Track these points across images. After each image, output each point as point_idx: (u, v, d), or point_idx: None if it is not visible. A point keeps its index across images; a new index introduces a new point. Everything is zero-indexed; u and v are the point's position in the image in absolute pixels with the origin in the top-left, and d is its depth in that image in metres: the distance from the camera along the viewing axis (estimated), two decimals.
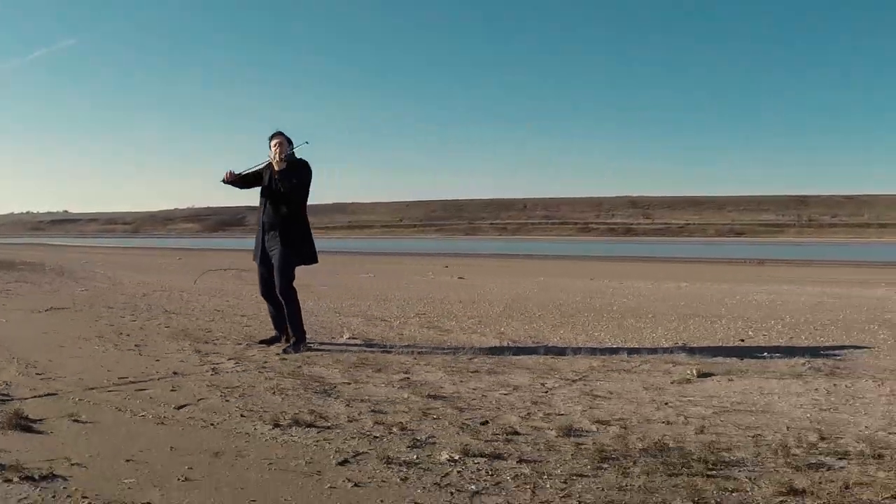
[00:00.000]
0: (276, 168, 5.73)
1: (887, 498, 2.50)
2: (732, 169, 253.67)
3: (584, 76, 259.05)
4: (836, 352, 5.92)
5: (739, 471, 2.82)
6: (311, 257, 5.93)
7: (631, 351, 5.63)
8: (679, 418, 3.64)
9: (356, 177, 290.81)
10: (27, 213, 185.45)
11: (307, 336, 5.94)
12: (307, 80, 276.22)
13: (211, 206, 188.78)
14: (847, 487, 2.61)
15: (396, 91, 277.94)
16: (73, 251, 35.59)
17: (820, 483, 2.66)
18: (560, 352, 5.55)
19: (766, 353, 5.69)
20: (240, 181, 5.99)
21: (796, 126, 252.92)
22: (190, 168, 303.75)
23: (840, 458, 2.98)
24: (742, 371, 4.91)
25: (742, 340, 6.49)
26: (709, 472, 2.77)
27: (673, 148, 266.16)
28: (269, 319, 6.23)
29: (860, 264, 28.56)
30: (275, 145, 5.82)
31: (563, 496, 2.55)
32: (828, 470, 2.83)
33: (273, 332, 6.12)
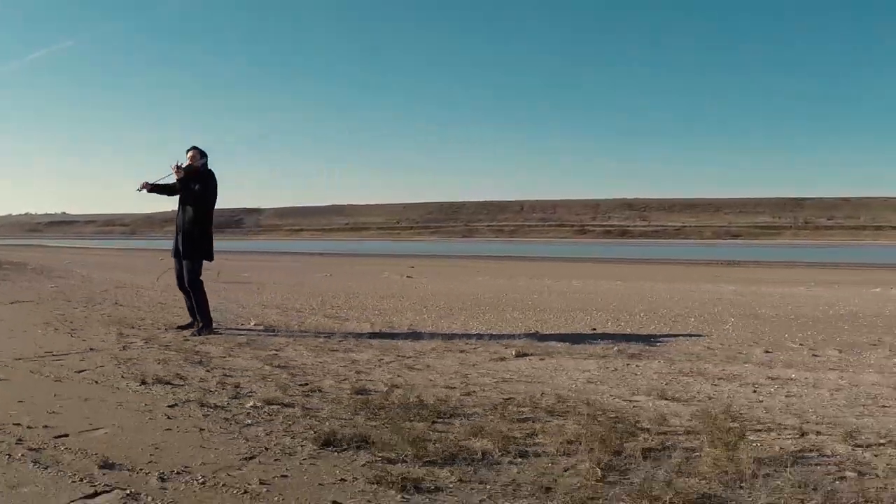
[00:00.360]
0: (175, 177, 6.79)
1: (564, 442, 3.27)
2: (729, 171, 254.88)
3: (582, 78, 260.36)
4: (665, 339, 6.98)
5: (457, 419, 3.77)
6: (208, 255, 7.00)
7: (481, 336, 6.71)
8: (461, 384, 4.69)
9: (354, 178, 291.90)
10: (25, 214, 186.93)
11: (214, 322, 7.03)
12: (305, 81, 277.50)
13: None
14: (531, 435, 3.42)
15: (395, 92, 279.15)
16: (64, 252, 36.73)
17: (507, 430, 3.62)
18: (418, 336, 6.64)
19: (599, 339, 6.75)
20: (158, 189, 7.06)
21: (794, 128, 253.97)
22: None
23: (551, 415, 3.84)
24: (558, 353, 5.97)
25: (594, 329, 7.57)
26: (434, 419, 3.68)
27: (669, 150, 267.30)
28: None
29: (823, 265, 29.61)
30: (189, 157, 6.91)
31: (309, 428, 3.58)
32: (524, 422, 3.70)
33: (189, 319, 7.21)
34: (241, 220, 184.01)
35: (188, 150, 6.93)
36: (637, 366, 5.44)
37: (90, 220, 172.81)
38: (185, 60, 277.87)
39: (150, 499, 2.66)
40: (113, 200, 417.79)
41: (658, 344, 6.60)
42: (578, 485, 2.74)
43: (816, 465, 3.06)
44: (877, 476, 2.90)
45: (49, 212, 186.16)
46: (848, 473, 2.92)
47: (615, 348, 6.17)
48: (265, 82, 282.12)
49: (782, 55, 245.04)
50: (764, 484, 2.75)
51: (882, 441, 3.40)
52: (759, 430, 3.59)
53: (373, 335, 6.85)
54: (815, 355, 6.06)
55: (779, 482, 2.75)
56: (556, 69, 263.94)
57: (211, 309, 7.06)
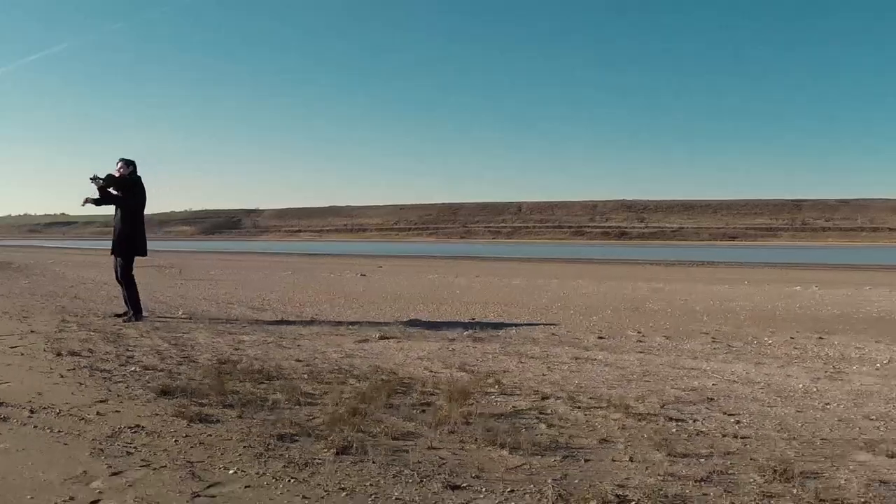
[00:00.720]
0: (95, 187, 7.96)
1: (339, 395, 4.36)
2: (728, 173, 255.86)
3: (580, 79, 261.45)
4: (525, 327, 8.10)
5: (278, 381, 4.87)
6: (139, 251, 8.18)
7: (364, 323, 7.88)
8: (310, 358, 5.81)
9: (353, 180, 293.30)
10: (24, 215, 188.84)
11: (145, 311, 8.20)
12: (303, 82, 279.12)
13: (208, 208, 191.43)
14: (324, 393, 4.62)
15: (394, 93, 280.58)
16: (52, 253, 38.04)
17: (306, 388, 4.83)
18: (312, 323, 7.81)
19: (466, 327, 7.86)
20: (100, 201, 8.22)
21: (792, 130, 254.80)
22: (187, 171, 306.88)
23: (354, 378, 4.98)
24: (416, 337, 7.09)
25: (473, 318, 8.72)
26: (260, 381, 4.79)
27: (668, 152, 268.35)
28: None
29: (789, 266, 30.69)
30: (117, 168, 8.10)
31: (160, 383, 4.74)
32: (327, 384, 4.77)
33: (125, 309, 8.37)
34: (240, 220, 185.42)
35: (117, 162, 8.12)
36: (473, 347, 6.57)
37: (89, 222, 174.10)
38: (182, 61, 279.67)
39: (18, 423, 3.81)
40: None
41: (512, 330, 7.73)
42: (322, 421, 3.85)
43: (525, 418, 4.10)
44: (560, 426, 3.94)
45: (48, 213, 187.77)
46: (541, 425, 3.92)
47: (467, 333, 7.31)
48: (263, 83, 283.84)
49: (781, 57, 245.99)
50: (465, 428, 3.78)
51: (596, 405, 4.41)
52: (510, 394, 4.67)
53: (274, 322, 8.01)
54: (641, 341, 7.18)
55: (478, 427, 3.78)
56: (554, 71, 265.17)
57: (156, 300, 8.26)
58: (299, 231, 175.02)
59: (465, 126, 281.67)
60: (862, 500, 2.79)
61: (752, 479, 3.01)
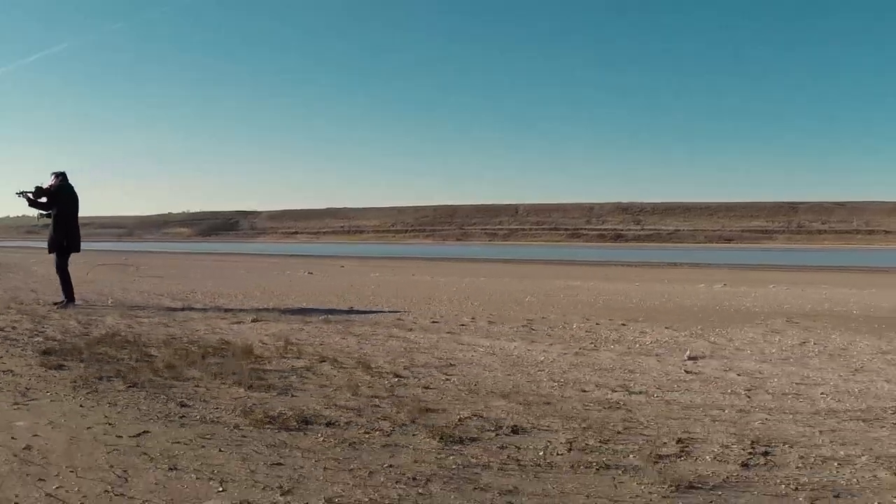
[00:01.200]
0: (25, 199, 9.61)
1: (176, 356, 6.21)
2: (726, 174, 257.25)
3: (579, 81, 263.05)
4: (378, 314, 9.70)
5: (138, 347, 6.57)
6: (73, 248, 9.82)
7: (255, 310, 9.50)
8: (182, 333, 7.43)
9: (350, 181, 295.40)
10: (22, 216, 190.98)
11: (78, 299, 9.83)
12: (302, 82, 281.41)
13: (205, 210, 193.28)
14: (180, 356, 6.35)
15: (392, 95, 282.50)
16: (41, 254, 39.79)
17: (149, 350, 6.47)
18: (208, 310, 9.44)
19: (335, 312, 9.48)
20: (38, 207, 9.85)
21: (790, 132, 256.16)
22: (186, 171, 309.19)
23: (194, 345, 6.75)
24: (281, 320, 8.64)
25: (351, 307, 10.34)
26: (122, 346, 6.51)
27: (665, 154, 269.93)
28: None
29: (752, 267, 32.26)
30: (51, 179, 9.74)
31: (48, 347, 6.35)
32: (179, 349, 6.54)
33: (62, 297, 9.98)
34: (237, 222, 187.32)
35: (50, 175, 9.76)
36: (318, 328, 8.13)
37: (87, 223, 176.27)
38: (182, 61, 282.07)
39: None
40: (110, 203, 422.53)
41: (369, 316, 9.31)
42: (136, 368, 5.46)
43: (290, 373, 5.74)
44: (308, 378, 5.57)
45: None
46: (292, 377, 5.59)
47: (327, 317, 8.90)
48: (263, 84, 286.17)
49: (780, 59, 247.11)
50: (233, 376, 5.36)
51: (355, 366, 5.93)
52: (300, 357, 6.26)
53: (180, 309, 9.63)
54: (464, 325, 8.78)
55: (243, 376, 5.39)
56: (554, 72, 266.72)
57: (97, 292, 9.89)
58: (296, 233, 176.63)
59: (464, 127, 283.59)
60: (459, 425, 4.36)
61: (411, 407, 4.61)
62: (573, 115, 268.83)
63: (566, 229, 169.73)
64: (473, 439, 3.81)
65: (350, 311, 9.85)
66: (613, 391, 5.11)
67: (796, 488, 3.12)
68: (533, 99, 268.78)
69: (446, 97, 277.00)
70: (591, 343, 7.51)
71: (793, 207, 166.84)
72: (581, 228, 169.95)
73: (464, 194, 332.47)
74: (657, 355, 6.72)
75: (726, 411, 4.55)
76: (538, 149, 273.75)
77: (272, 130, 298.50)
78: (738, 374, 5.83)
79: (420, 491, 3.05)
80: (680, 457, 3.55)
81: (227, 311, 9.42)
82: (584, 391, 5.13)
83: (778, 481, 3.21)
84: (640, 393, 5.09)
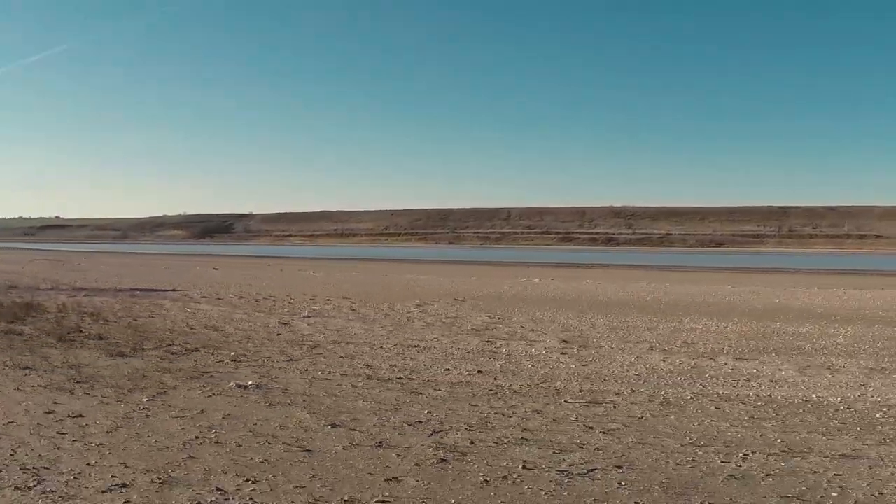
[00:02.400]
0: None
1: (17, 307, 12.62)
2: (718, 180, 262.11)
3: (570, 85, 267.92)
4: (205, 293, 16.16)
5: (43, 314, 13.04)
6: None
7: (101, 289, 16.03)
8: (77, 305, 13.93)
9: (343, 185, 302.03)
10: (19, 218, 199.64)
11: None
12: (297, 84, 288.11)
13: (201, 212, 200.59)
14: (79, 324, 12.79)
15: (389, 97, 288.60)
16: (13, 254, 46.67)
17: (44, 315, 12.97)
18: (121, 293, 15.98)
19: (161, 294, 15.97)
20: None
21: (784, 135, 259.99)
22: (183, 173, 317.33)
23: (82, 314, 13.22)
24: (121, 296, 15.18)
25: (175, 288, 16.81)
26: (28, 314, 12.97)
27: (657, 158, 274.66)
28: None
29: (699, 269, 38.51)
30: None
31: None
32: (62, 315, 13.04)
33: None
34: (232, 225, 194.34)
35: None
36: (132, 300, 14.62)
37: (82, 225, 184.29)
38: (178, 64, 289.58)
39: None
40: (107, 205, 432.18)
41: (187, 293, 15.77)
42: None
43: (75, 331, 12.23)
44: (84, 326, 12.06)
45: (43, 216, 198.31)
46: (70, 320, 12.08)
47: (134, 293, 15.37)
48: (260, 86, 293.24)
49: (770, 64, 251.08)
50: (46, 326, 11.85)
51: (129, 324, 12.50)
52: (89, 316, 12.76)
53: (46, 289, 16.15)
54: (292, 303, 15.22)
55: (48, 325, 11.88)
56: (544, 77, 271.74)
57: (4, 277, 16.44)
58: (290, 235, 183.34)
59: (459, 131, 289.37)
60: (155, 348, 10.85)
61: (132, 335, 11.11)
62: (567, 119, 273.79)
63: (558, 233, 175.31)
64: (145, 350, 10.29)
65: (173, 290, 16.30)
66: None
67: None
68: (527, 103, 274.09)
69: (441, 101, 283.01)
70: (403, 316, 13.95)
71: (784, 212, 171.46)
72: (573, 232, 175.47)
73: (457, 198, 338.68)
74: (403, 320, 13.16)
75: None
76: (532, 152, 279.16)
77: (269, 133, 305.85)
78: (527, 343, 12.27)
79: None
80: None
81: (80, 289, 15.90)
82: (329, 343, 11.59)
83: (488, 383, 9.67)
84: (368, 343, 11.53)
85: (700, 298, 19.93)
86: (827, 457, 5.33)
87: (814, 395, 7.59)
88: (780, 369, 9.13)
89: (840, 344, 11.35)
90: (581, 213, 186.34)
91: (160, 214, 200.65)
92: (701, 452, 5.39)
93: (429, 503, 4.33)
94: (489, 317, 14.19)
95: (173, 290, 17.19)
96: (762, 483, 4.73)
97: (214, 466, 4.95)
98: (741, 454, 5.35)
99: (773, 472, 4.94)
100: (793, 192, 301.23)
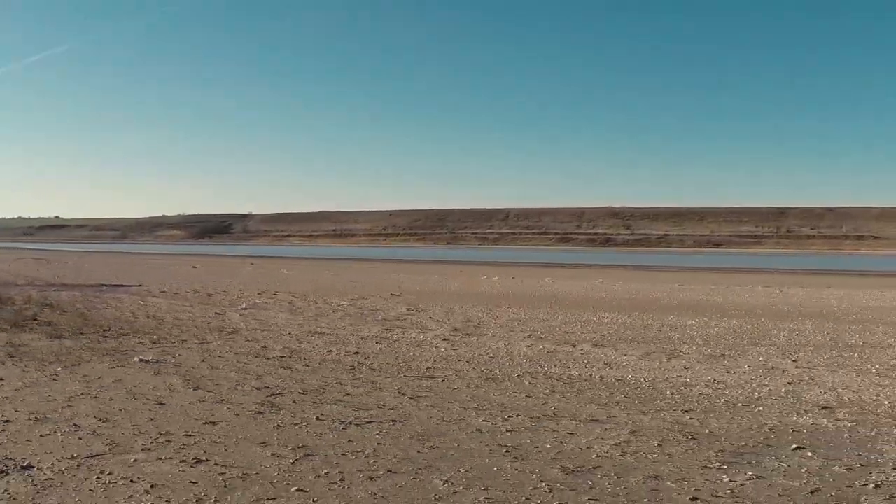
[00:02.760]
0: None
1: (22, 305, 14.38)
2: (715, 181, 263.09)
3: (569, 86, 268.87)
4: (157, 288, 17.84)
5: (11, 304, 14.78)
6: None
7: (72, 285, 17.72)
8: (44, 298, 15.63)
9: (342, 185, 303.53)
10: (18, 218, 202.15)
11: None
12: (297, 84, 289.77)
13: (200, 213, 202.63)
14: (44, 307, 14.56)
15: (384, 99, 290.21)
16: (19, 253, 48.55)
17: (20, 300, 14.70)
18: (49, 284, 17.66)
19: (113, 290, 17.66)
20: None
21: (781, 136, 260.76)
22: (183, 174, 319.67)
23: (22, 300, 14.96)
24: (88, 291, 16.86)
25: (141, 284, 18.49)
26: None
27: (656, 159, 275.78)
28: None
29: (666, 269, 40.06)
30: None
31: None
32: (44, 305, 14.78)
33: None
34: (231, 225, 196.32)
35: None
36: (96, 295, 16.31)
37: (81, 225, 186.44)
38: (177, 64, 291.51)
39: None
40: (107, 205, 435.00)
41: (140, 288, 17.43)
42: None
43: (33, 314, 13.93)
44: (43, 311, 13.75)
45: (42, 216, 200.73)
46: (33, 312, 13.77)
47: (148, 290, 17.04)
48: (260, 86, 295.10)
49: (768, 65, 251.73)
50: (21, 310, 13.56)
51: (80, 312, 14.20)
52: (47, 306, 14.45)
53: (18, 285, 17.83)
54: (240, 296, 16.88)
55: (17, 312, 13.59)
56: (544, 77, 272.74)
57: None
58: (288, 236, 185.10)
59: (457, 132, 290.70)
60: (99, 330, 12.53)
61: (77, 322, 12.78)
62: (566, 119, 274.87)
63: (556, 234, 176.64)
64: (77, 334, 11.97)
65: (139, 286, 17.97)
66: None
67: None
68: (526, 103, 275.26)
69: (440, 101, 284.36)
70: (320, 309, 15.59)
71: (781, 213, 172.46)
72: (571, 233, 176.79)
73: (456, 198, 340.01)
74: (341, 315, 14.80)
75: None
76: (531, 153, 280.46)
77: (268, 133, 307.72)
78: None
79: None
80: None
81: (52, 285, 17.58)
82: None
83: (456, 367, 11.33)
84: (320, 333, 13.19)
85: (632, 295, 21.49)
86: (577, 420, 6.70)
87: (629, 376, 8.97)
88: (625, 355, 10.63)
89: (707, 335, 12.84)
90: (579, 214, 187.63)
91: (159, 215, 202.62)
92: (473, 413, 6.89)
93: (225, 439, 5.90)
94: (408, 309, 15.80)
95: (139, 286, 18.91)
96: (497, 435, 6.11)
97: (81, 412, 6.58)
98: (506, 416, 6.79)
99: (515, 429, 6.29)
100: (791, 193, 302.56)
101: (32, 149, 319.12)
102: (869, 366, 9.79)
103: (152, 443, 5.66)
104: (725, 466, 5.29)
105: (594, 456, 5.54)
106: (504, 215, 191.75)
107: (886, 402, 7.54)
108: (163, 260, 45.53)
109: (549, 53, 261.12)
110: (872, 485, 4.91)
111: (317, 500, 4.53)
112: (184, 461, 5.22)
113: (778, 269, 45.52)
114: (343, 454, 5.48)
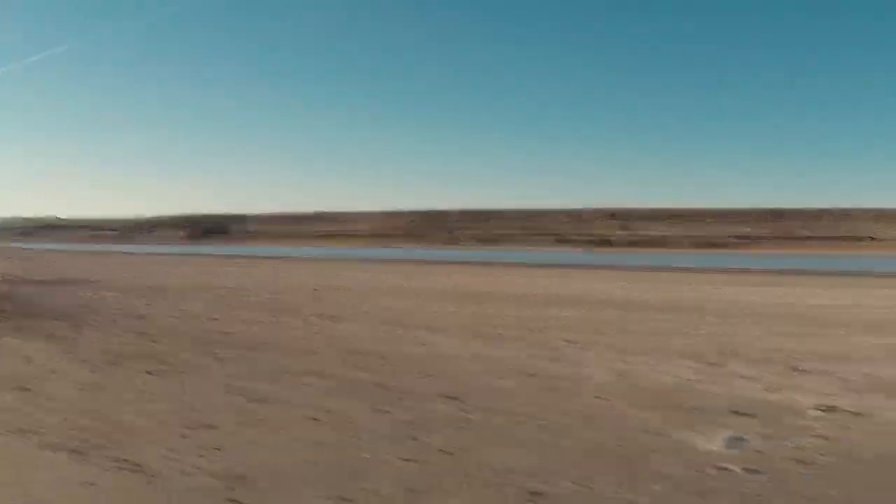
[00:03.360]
0: None
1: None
2: (712, 181, 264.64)
3: (568, 86, 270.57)
4: (117, 284, 21.09)
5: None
6: None
7: (37, 281, 20.99)
8: (13, 290, 18.91)
9: (340, 186, 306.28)
10: (17, 217, 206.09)
11: None
12: (297, 84, 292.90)
13: (199, 213, 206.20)
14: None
15: (384, 100, 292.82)
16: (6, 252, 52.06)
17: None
18: (80, 284, 20.95)
19: (74, 285, 20.90)
20: None
21: (778, 138, 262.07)
22: (183, 174, 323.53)
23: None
24: (31, 284, 20.11)
25: (88, 279, 21.75)
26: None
27: (654, 160, 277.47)
28: None
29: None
30: None
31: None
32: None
33: None
34: (229, 226, 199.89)
35: None
36: (63, 288, 19.56)
37: (81, 225, 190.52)
38: (177, 65, 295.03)
39: None
40: (106, 205, 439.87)
41: (95, 284, 20.66)
42: None
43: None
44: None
45: (41, 215, 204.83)
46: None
47: (101, 285, 20.29)
48: (260, 86, 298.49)
49: (766, 66, 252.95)
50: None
51: (51, 298, 17.44)
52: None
53: (10, 281, 21.11)
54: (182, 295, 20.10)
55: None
56: (543, 78, 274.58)
57: None
58: (287, 237, 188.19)
59: (459, 130, 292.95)
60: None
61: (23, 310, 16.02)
62: (564, 120, 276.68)
63: (553, 234, 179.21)
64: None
65: (97, 281, 21.20)
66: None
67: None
68: (525, 104, 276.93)
69: (439, 101, 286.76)
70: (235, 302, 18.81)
71: (779, 214, 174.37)
72: (568, 234, 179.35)
73: (453, 199, 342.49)
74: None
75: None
76: (529, 153, 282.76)
77: (268, 133, 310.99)
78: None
79: None
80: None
81: (10, 280, 20.84)
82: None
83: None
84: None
85: (563, 291, 24.48)
86: (327, 375, 9.89)
87: (512, 364, 11.75)
88: (450, 339, 13.62)
89: (560, 324, 15.58)
90: (577, 215, 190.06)
91: (158, 215, 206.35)
92: (244, 383, 10.03)
93: (56, 377, 9.02)
94: (313, 301, 18.90)
95: (97, 282, 22.05)
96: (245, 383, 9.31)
97: None
98: (279, 380, 9.91)
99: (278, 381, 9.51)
100: (788, 195, 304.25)
101: (32, 148, 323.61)
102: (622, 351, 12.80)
103: None
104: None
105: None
106: (502, 216, 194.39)
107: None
108: (143, 259, 48.82)
109: (549, 53, 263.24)
110: None
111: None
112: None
113: (736, 269, 48.11)
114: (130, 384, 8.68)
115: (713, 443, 6.41)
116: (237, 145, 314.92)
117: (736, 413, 7.55)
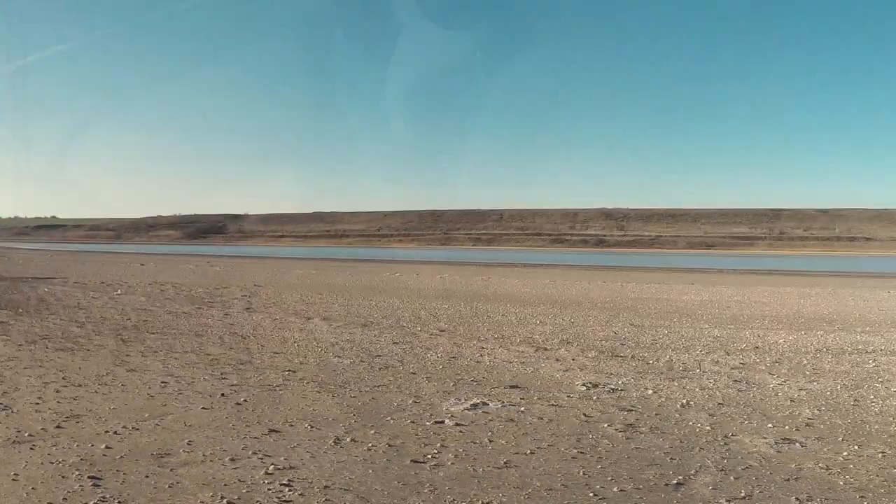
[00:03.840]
0: None
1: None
2: (708, 182, 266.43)
3: (566, 86, 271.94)
4: (89, 281, 23.23)
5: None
6: None
7: (77, 283, 23.16)
8: (12, 290, 21.07)
9: (337, 186, 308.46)
10: (14, 217, 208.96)
11: None
12: (294, 84, 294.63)
13: (197, 213, 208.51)
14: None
15: (384, 97, 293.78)
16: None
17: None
18: (51, 280, 23.14)
19: (47, 282, 23.04)
20: None
21: (774, 139, 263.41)
22: (180, 174, 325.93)
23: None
24: (81, 287, 22.29)
25: (70, 279, 23.90)
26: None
27: (650, 160, 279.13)
28: None
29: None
30: None
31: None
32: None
33: None
34: (225, 225, 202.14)
35: None
36: (39, 286, 21.75)
37: (77, 225, 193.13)
38: (176, 65, 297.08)
39: None
40: (104, 205, 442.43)
41: (71, 282, 22.83)
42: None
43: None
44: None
45: (39, 215, 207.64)
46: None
47: (68, 282, 22.45)
48: (255, 88, 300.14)
49: (760, 68, 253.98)
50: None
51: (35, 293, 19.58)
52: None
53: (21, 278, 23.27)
54: (163, 289, 22.25)
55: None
56: (533, 80, 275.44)
57: None
58: (282, 237, 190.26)
59: (453, 133, 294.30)
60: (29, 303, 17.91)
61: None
62: (563, 120, 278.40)
63: (549, 235, 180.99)
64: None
65: (67, 278, 23.35)
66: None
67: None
68: (524, 104, 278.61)
69: (434, 102, 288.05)
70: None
71: (775, 214, 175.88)
72: (564, 234, 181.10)
73: (450, 199, 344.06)
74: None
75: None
76: (525, 154, 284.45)
77: (268, 133, 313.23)
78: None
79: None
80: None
81: (47, 280, 23.03)
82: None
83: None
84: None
85: (522, 289, 26.55)
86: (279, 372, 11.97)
87: (366, 346, 13.95)
88: (329, 326, 15.70)
89: (508, 321, 17.59)
90: (573, 216, 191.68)
91: (155, 215, 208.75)
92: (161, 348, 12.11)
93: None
94: (244, 295, 20.97)
95: (60, 278, 24.17)
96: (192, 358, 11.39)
97: None
98: (220, 372, 11.97)
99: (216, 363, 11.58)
100: (784, 195, 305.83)
101: (31, 148, 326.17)
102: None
103: None
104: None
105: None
106: (497, 216, 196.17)
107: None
108: (127, 258, 50.94)
109: (546, 53, 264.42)
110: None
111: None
112: None
113: (715, 269, 50.04)
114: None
115: (458, 406, 8.27)
116: (235, 145, 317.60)
117: (512, 387, 9.38)
